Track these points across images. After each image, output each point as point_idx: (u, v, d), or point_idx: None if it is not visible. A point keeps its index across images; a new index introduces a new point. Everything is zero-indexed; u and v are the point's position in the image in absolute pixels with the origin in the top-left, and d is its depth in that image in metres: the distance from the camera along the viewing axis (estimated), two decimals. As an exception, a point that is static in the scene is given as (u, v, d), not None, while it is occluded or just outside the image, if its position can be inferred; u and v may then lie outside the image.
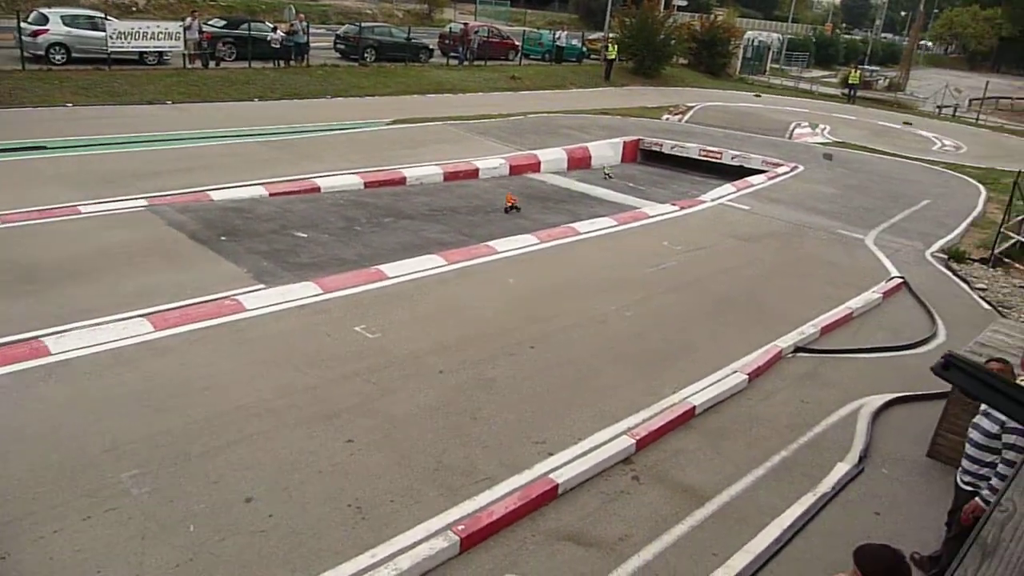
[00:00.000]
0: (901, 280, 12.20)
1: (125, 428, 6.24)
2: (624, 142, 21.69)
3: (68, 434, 6.09)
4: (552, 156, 18.79)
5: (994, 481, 5.04)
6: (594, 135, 21.59)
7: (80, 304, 8.38)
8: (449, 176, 16.06)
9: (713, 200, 16.32)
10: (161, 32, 22.57)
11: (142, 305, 8.47)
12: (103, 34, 21.16)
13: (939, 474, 6.90)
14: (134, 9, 32.00)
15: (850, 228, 15.25)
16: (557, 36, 37.20)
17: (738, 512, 6.23)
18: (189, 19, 23.20)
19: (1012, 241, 14.79)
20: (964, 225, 16.64)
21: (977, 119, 38.52)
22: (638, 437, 6.94)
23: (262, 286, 9.45)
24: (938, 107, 40.43)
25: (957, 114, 39.50)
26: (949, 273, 13.34)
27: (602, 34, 40.66)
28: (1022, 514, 0.83)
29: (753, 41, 47.65)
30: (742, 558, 5.66)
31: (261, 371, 7.41)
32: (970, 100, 42.76)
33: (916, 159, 24.32)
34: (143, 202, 11.88)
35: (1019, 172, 15.40)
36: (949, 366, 0.68)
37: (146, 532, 5.19)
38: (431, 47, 30.84)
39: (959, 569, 0.85)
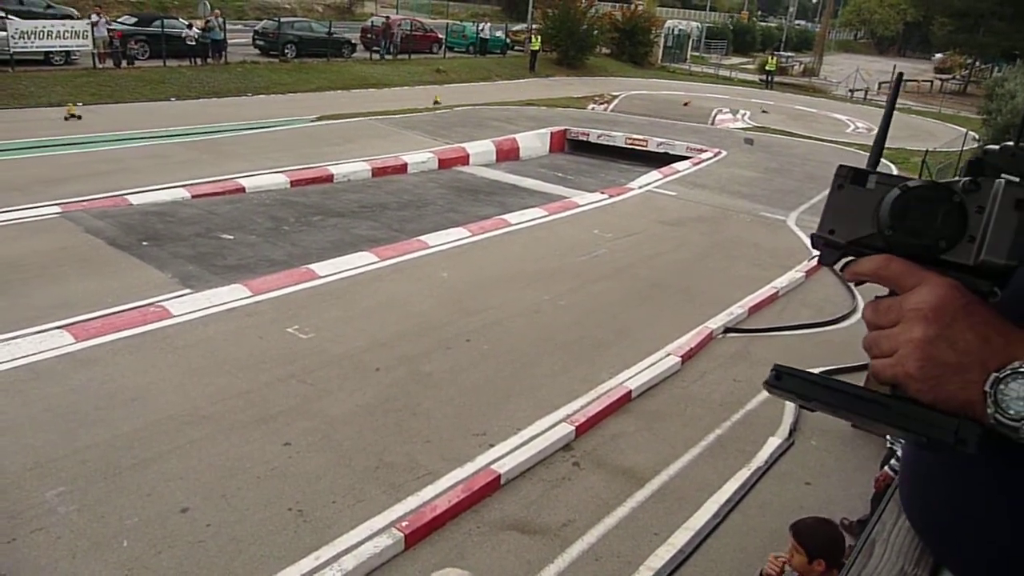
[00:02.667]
0: (822, 258, 12.66)
1: (49, 444, 5.99)
2: (551, 132, 21.84)
3: (-14, 454, 5.82)
4: (480, 148, 18.78)
5: (899, 451, 5.30)
6: (521, 126, 21.67)
7: (-7, 318, 8.00)
8: (378, 172, 15.88)
9: (641, 187, 16.59)
10: (67, 31, 21.59)
11: (60, 316, 8.12)
12: (4, 34, 20.09)
13: (863, 442, 7.21)
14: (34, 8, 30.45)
15: (772, 210, 15.72)
16: (481, 28, 37.07)
17: (677, 491, 6.39)
18: (95, 16, 22.25)
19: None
20: (878, 203, 17.35)
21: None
22: (577, 423, 7.04)
23: (188, 291, 9.19)
24: (850, 91, 41.95)
25: (868, 97, 41.06)
26: (866, 250, 13.89)
27: (525, 25, 40.78)
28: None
29: (673, 30, 48.46)
30: (683, 535, 5.82)
31: (191, 378, 7.21)
32: (879, 83, 44.51)
33: (832, 141, 25.23)
34: (56, 209, 11.37)
35: (926, 151, 16.14)
36: (781, 376, 0.71)
37: (76, 551, 5.00)
38: (353, 42, 30.32)
39: (878, 523, 0.90)
